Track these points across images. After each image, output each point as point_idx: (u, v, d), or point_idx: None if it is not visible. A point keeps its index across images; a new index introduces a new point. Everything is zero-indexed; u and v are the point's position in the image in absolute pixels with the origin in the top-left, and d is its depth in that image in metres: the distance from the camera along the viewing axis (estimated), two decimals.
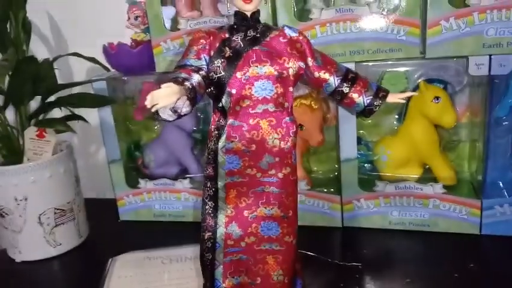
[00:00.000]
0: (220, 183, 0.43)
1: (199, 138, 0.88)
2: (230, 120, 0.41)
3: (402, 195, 0.74)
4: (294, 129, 0.43)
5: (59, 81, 0.81)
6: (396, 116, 0.77)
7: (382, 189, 0.76)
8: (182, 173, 0.87)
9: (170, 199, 0.86)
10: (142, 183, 0.87)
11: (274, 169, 0.43)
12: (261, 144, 0.42)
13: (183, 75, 0.40)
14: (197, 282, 0.65)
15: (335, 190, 0.79)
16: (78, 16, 0.93)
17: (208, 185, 0.43)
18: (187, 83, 0.39)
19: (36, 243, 0.77)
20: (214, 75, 0.41)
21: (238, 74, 0.41)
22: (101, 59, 0.84)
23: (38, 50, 0.85)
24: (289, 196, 0.43)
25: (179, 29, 0.76)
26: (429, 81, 0.72)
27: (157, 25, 0.77)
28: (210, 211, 0.43)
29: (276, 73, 0.41)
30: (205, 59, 0.41)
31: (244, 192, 0.43)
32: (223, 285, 0.43)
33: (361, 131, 0.79)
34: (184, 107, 0.38)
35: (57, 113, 0.83)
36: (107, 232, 0.87)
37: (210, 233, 0.43)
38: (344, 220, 0.79)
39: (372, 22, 0.68)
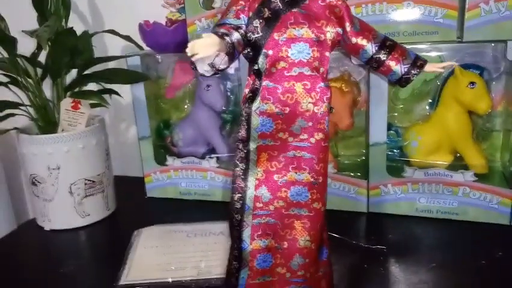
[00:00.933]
0: (252, 146, 0.43)
1: (228, 119, 0.89)
2: (265, 82, 0.42)
3: (431, 182, 0.73)
4: (328, 95, 0.43)
5: None
6: (430, 101, 0.76)
7: (411, 175, 0.75)
8: (210, 152, 0.88)
9: (197, 177, 0.87)
10: (170, 160, 0.88)
11: (307, 134, 0.43)
12: (295, 108, 0.42)
13: (223, 30, 0.40)
14: (221, 255, 0.65)
15: (362, 175, 0.78)
16: None
17: (240, 147, 0.44)
18: (227, 38, 0.39)
19: (66, 212, 0.79)
20: (252, 36, 0.41)
21: (276, 35, 0.41)
22: (136, 38, 0.85)
23: (76, 26, 0.87)
24: (320, 162, 0.43)
25: (213, 8, 0.77)
26: (465, 66, 0.70)
27: (192, 4, 0.78)
28: (240, 173, 0.43)
29: (313, 36, 0.41)
30: (244, 19, 0.41)
31: (275, 156, 0.43)
32: (250, 246, 0.43)
33: (392, 117, 0.78)
34: (222, 63, 0.39)
35: (92, 88, 0.85)
36: (134, 207, 0.89)
37: (240, 195, 0.43)
38: (370, 205, 0.78)
39: (409, 3, 0.67)
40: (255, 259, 0.43)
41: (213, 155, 0.87)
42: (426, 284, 0.59)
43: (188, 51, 0.37)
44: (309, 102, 0.42)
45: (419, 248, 0.68)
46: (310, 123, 0.42)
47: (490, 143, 0.76)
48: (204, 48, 0.37)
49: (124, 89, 0.88)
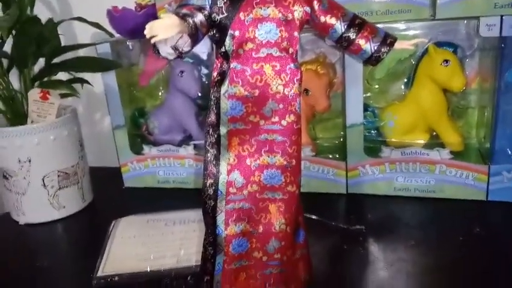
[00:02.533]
0: (222, 130, 0.42)
1: (204, 105, 0.87)
2: (233, 64, 0.40)
3: (408, 161, 0.73)
4: (299, 77, 0.42)
5: None
6: (405, 80, 0.75)
7: (388, 155, 0.75)
8: (187, 139, 0.87)
9: (175, 165, 0.86)
10: (146, 149, 0.86)
11: (278, 116, 0.42)
12: (265, 90, 0.41)
13: (185, 11, 0.39)
14: (200, 243, 0.64)
15: (340, 156, 0.78)
16: None
17: (211, 132, 0.42)
18: (189, 19, 0.38)
19: (40, 205, 0.77)
20: (217, 17, 0.40)
21: (241, 15, 0.40)
22: (106, 25, 0.83)
23: (42, 14, 0.84)
24: (293, 145, 0.43)
25: None
26: (439, 44, 0.70)
27: None
28: (211, 158, 0.43)
29: (280, 16, 0.40)
30: (208, 0, 0.40)
31: (247, 140, 0.42)
32: (225, 232, 0.43)
33: (368, 98, 0.78)
34: (185, 45, 0.37)
35: (63, 78, 0.83)
36: (111, 198, 0.87)
37: (212, 180, 0.42)
38: (349, 187, 0.78)
39: None
40: (230, 244, 0.42)
41: (190, 142, 0.85)
42: (405, 261, 0.59)
43: (147, 33, 0.36)
44: (279, 84, 0.41)
45: (397, 227, 0.68)
46: (281, 106, 0.41)
47: (465, 120, 0.76)
48: (164, 30, 0.36)
49: (95, 78, 0.85)
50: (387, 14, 0.68)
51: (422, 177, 0.73)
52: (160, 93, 0.89)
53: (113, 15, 0.80)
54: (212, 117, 0.42)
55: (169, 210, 0.76)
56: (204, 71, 0.84)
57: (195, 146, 0.85)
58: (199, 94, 0.84)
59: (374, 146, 0.78)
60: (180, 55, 0.38)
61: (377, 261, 0.60)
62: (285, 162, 0.42)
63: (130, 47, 0.87)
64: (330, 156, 0.79)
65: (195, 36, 0.38)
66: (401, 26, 0.70)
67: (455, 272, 0.57)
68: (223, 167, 0.42)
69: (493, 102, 0.70)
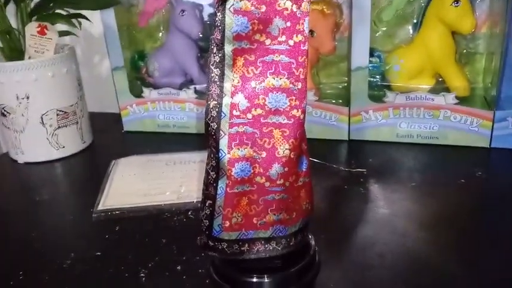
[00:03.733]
0: (227, 48, 0.40)
1: (206, 47, 0.85)
2: None
3: (413, 106, 0.72)
4: None
5: None
6: (414, 22, 0.73)
7: (392, 100, 0.74)
8: (188, 83, 0.85)
9: (175, 109, 0.85)
10: (146, 92, 0.85)
11: (285, 35, 0.40)
12: (272, 6, 0.39)
13: None
14: (201, 181, 0.64)
15: (343, 102, 0.77)
16: None
17: (215, 51, 0.41)
18: None
19: (39, 144, 0.76)
20: None
21: None
22: None
23: None
24: (299, 67, 0.41)
25: None
26: None
27: None
28: (215, 79, 0.41)
29: None
30: None
31: (252, 61, 0.41)
32: (228, 155, 0.42)
33: (374, 42, 0.76)
34: None
35: None
36: (111, 140, 0.87)
37: (216, 102, 0.41)
38: (351, 133, 0.77)
39: None
40: (233, 168, 0.42)
41: (190, 86, 0.84)
42: (405, 200, 0.59)
43: None
44: (287, 0, 0.39)
45: (399, 171, 0.68)
46: (288, 23, 0.40)
47: (472, 66, 0.75)
48: None
49: (94, 19, 0.83)
50: None
51: (426, 123, 0.73)
52: (160, 34, 0.87)
53: None
54: (217, 35, 0.40)
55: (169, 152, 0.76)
56: (206, 10, 0.81)
57: (196, 90, 0.84)
58: (201, 35, 0.82)
59: (378, 93, 0.76)
60: None
61: (377, 200, 0.60)
62: (290, 85, 0.41)
63: None
64: (333, 101, 0.77)
65: None
66: None
67: (455, 209, 0.57)
68: (227, 88, 0.41)
69: (501, 48, 0.68)
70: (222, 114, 0.41)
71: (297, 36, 0.40)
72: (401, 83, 0.74)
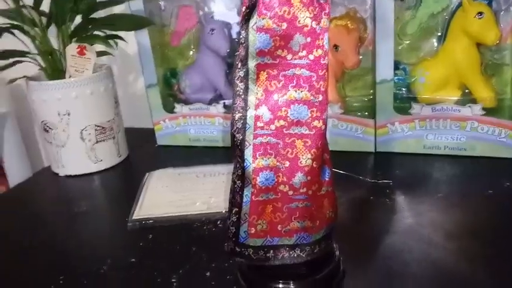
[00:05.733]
0: (251, 64, 0.43)
1: (233, 63, 0.88)
2: None
3: (439, 118, 0.73)
4: (327, 10, 0.42)
5: None
6: (438, 35, 0.74)
7: (418, 111, 0.74)
8: (217, 98, 0.89)
9: (205, 124, 0.88)
10: (178, 107, 0.89)
11: (306, 50, 0.42)
12: (292, 23, 0.41)
13: None
14: (228, 192, 0.67)
15: (369, 114, 0.78)
16: None
17: (239, 66, 0.44)
18: None
19: (79, 158, 0.81)
20: None
21: None
22: None
23: None
24: (320, 80, 0.43)
25: None
26: None
27: None
28: (240, 92, 0.44)
29: None
30: None
31: (274, 76, 0.43)
32: (253, 165, 0.44)
33: (399, 54, 0.77)
34: None
35: None
36: (145, 154, 0.90)
37: (241, 114, 0.44)
38: (377, 145, 0.78)
39: None
40: (257, 177, 0.44)
41: (220, 101, 0.87)
42: (431, 211, 0.60)
43: None
44: (307, 17, 0.41)
45: (425, 182, 0.68)
46: (308, 39, 0.42)
47: (499, 77, 0.74)
48: None
49: (129, 40, 0.88)
50: None
51: (453, 134, 0.73)
52: (191, 53, 0.91)
53: None
54: (241, 51, 0.43)
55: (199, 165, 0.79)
56: (234, 29, 0.85)
57: (225, 105, 0.87)
58: (229, 51, 0.85)
59: (404, 105, 0.77)
60: None
61: (403, 210, 0.61)
62: (311, 98, 0.43)
63: (162, 7, 0.88)
64: (359, 114, 0.78)
65: None
66: None
67: (482, 220, 0.57)
68: (252, 101, 0.43)
69: None
70: (247, 125, 0.44)
71: (317, 50, 0.43)
72: (427, 94, 0.74)
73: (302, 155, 0.44)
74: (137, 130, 1.00)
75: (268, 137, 0.44)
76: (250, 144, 0.44)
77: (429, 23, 0.74)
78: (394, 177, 0.70)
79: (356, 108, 0.82)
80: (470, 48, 0.70)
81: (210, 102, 0.88)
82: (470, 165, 0.71)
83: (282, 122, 0.44)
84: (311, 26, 0.42)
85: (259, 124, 0.44)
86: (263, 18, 0.41)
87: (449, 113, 0.72)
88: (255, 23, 0.42)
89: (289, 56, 0.43)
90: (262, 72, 0.43)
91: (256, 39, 0.42)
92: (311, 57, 0.43)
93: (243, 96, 0.44)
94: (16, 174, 1.00)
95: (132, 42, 0.89)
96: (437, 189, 0.65)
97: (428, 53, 0.76)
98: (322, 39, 0.42)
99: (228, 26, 0.85)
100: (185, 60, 0.92)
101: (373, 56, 0.76)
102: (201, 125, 0.88)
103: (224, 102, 0.87)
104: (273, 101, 0.43)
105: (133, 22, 0.80)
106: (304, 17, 0.42)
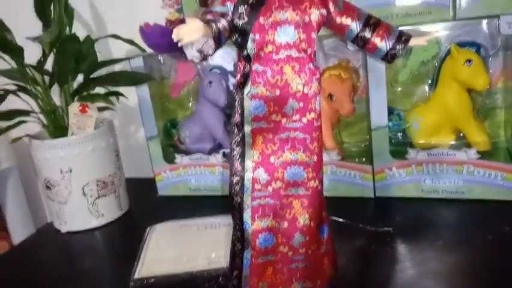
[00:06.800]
0: (247, 129, 0.44)
1: (231, 113, 0.90)
2: (255, 66, 0.43)
3: (435, 162, 0.74)
4: (318, 76, 0.44)
5: None
6: (429, 82, 0.76)
7: (414, 156, 0.75)
8: (216, 148, 0.90)
9: (206, 173, 0.89)
10: (178, 158, 0.90)
11: (299, 114, 0.44)
12: (285, 90, 0.43)
13: (209, 17, 0.42)
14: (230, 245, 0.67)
15: (367, 160, 0.79)
16: (116, 1, 0.98)
17: (236, 131, 0.45)
18: (212, 24, 0.41)
19: (81, 214, 0.81)
20: (238, 22, 0.42)
21: (261, 20, 0.42)
22: (139, 41, 0.87)
23: (80, 32, 0.90)
24: (314, 141, 0.45)
25: (210, 5, 0.79)
26: (461, 44, 0.71)
27: (189, 3, 0.80)
28: (237, 157, 0.45)
29: (298, 18, 0.43)
30: (230, 7, 0.43)
31: (270, 139, 0.44)
32: (252, 227, 0.45)
33: (393, 101, 0.79)
34: (210, 49, 0.40)
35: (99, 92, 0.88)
36: (146, 206, 0.91)
37: (238, 177, 0.45)
38: (376, 190, 0.79)
39: None
40: (257, 239, 0.44)
41: (219, 151, 0.88)
42: (433, 260, 0.60)
43: (174, 36, 0.39)
44: (299, 83, 0.43)
45: (425, 228, 0.68)
46: (301, 104, 0.44)
47: (492, 119, 0.76)
48: (189, 34, 0.39)
49: (130, 93, 0.90)
50: (407, 17, 0.69)
51: (450, 178, 0.73)
52: (190, 104, 0.93)
53: (145, 31, 0.85)
54: (237, 117, 0.45)
55: (200, 216, 0.79)
56: (231, 80, 0.87)
57: (224, 154, 0.88)
58: (227, 103, 0.87)
59: (400, 149, 0.78)
60: (205, 58, 0.41)
61: (404, 261, 0.60)
62: (306, 159, 0.44)
63: (162, 61, 0.91)
64: (357, 160, 0.79)
65: (218, 40, 0.41)
66: (422, 27, 0.71)
67: (484, 270, 0.57)
68: (248, 164, 0.44)
69: None
70: (245, 188, 0.45)
71: (309, 114, 0.44)
72: (421, 140, 0.76)
73: (300, 216, 0.45)
74: (138, 180, 1.01)
75: (266, 199, 0.45)
76: (248, 207, 0.45)
77: (420, 70, 0.76)
78: (394, 223, 0.70)
79: (354, 153, 0.83)
80: (461, 93, 0.72)
81: (209, 152, 0.89)
82: (469, 208, 0.72)
83: (279, 184, 0.45)
84: (303, 91, 0.44)
85: (256, 186, 0.45)
86: (257, 87, 0.43)
87: (445, 158, 0.73)
88: (249, 91, 0.43)
89: (283, 120, 0.44)
90: (258, 136, 0.44)
91: (251, 106, 0.44)
92: (304, 120, 0.44)
93: (239, 160, 0.45)
94: (19, 230, 1.01)
95: (133, 94, 0.91)
96: (437, 235, 0.65)
97: (420, 98, 0.78)
98: (314, 102, 0.44)
99: (225, 77, 0.87)
100: (185, 110, 0.94)
101: (367, 103, 0.77)
102: (201, 174, 0.89)
103: (223, 152, 0.88)
104: (269, 163, 0.45)
105: (133, 78, 0.83)
106: (297, 84, 0.43)
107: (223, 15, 0.42)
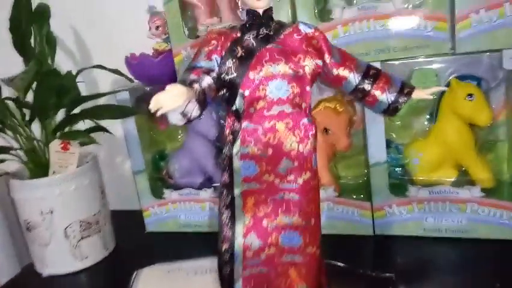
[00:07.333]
0: (236, 191, 0.40)
1: (222, 147, 0.86)
2: (244, 124, 0.39)
3: (437, 200, 0.70)
4: (314, 132, 0.40)
5: (85, 94, 0.82)
6: (428, 117, 0.73)
7: (415, 194, 0.72)
8: (207, 182, 0.86)
9: (195, 209, 0.85)
10: (167, 193, 0.86)
11: (294, 174, 0.40)
12: (278, 148, 0.40)
13: (192, 76, 0.38)
14: None
15: (365, 196, 0.75)
16: (101, 29, 0.94)
17: (224, 193, 0.41)
18: (195, 85, 0.37)
19: (63, 256, 0.77)
20: (226, 77, 0.39)
21: (251, 74, 0.39)
22: (125, 70, 0.83)
23: (63, 63, 0.86)
24: (311, 203, 0.41)
25: (198, 36, 0.75)
26: (462, 78, 0.68)
27: (176, 33, 0.76)
28: (226, 221, 0.41)
29: (291, 72, 0.39)
30: (216, 61, 0.39)
31: (262, 200, 0.41)
32: None
33: (391, 134, 0.76)
34: (194, 111, 0.37)
35: (82, 125, 0.83)
36: (133, 244, 0.86)
37: (228, 245, 0.41)
38: (376, 228, 0.75)
39: (397, 19, 0.64)
40: None
41: (210, 185, 0.84)
42: None
43: (152, 106, 0.35)
44: (294, 141, 0.39)
45: (429, 272, 0.65)
46: (296, 163, 0.40)
47: (495, 154, 0.72)
48: (170, 101, 0.35)
49: (115, 124, 0.86)
50: (405, 50, 0.66)
51: (453, 217, 0.70)
52: (179, 136, 0.89)
53: (131, 62, 0.81)
54: (225, 178, 0.41)
55: (191, 255, 0.75)
56: (222, 112, 0.83)
57: (215, 189, 0.84)
58: (217, 135, 0.83)
59: (400, 184, 0.75)
60: (189, 121, 0.37)
61: None
62: (303, 222, 0.41)
63: (149, 93, 0.87)
64: (354, 197, 0.76)
65: (203, 101, 0.37)
66: (421, 60, 0.68)
67: None
68: (239, 229, 0.41)
69: None
70: (235, 257, 0.41)
71: (305, 173, 0.40)
72: (422, 176, 0.72)
73: (297, 286, 0.41)
74: (125, 213, 0.96)
75: (259, 267, 0.41)
76: (239, 278, 0.41)
77: (418, 103, 0.72)
78: (396, 266, 0.66)
79: (351, 188, 0.79)
80: (463, 128, 0.69)
81: (199, 187, 0.85)
82: (474, 249, 0.68)
83: (273, 250, 0.41)
84: (298, 149, 0.40)
85: (248, 254, 0.41)
86: (247, 146, 0.39)
87: (447, 196, 0.70)
88: (239, 150, 0.40)
89: (277, 181, 0.40)
90: (249, 198, 0.41)
91: (240, 167, 0.40)
92: (300, 181, 0.40)
93: (229, 225, 0.41)
94: (3, 269, 0.95)
95: (119, 125, 0.87)
96: (441, 282, 0.62)
97: (419, 131, 0.75)
98: (310, 161, 0.40)
99: (215, 109, 0.83)
100: (174, 142, 0.90)
101: (364, 137, 0.74)
102: (191, 210, 0.85)
103: (214, 186, 0.84)
104: (262, 227, 0.41)
105: (117, 112, 0.79)
106: (291, 142, 0.40)
107: (208, 71, 0.38)
